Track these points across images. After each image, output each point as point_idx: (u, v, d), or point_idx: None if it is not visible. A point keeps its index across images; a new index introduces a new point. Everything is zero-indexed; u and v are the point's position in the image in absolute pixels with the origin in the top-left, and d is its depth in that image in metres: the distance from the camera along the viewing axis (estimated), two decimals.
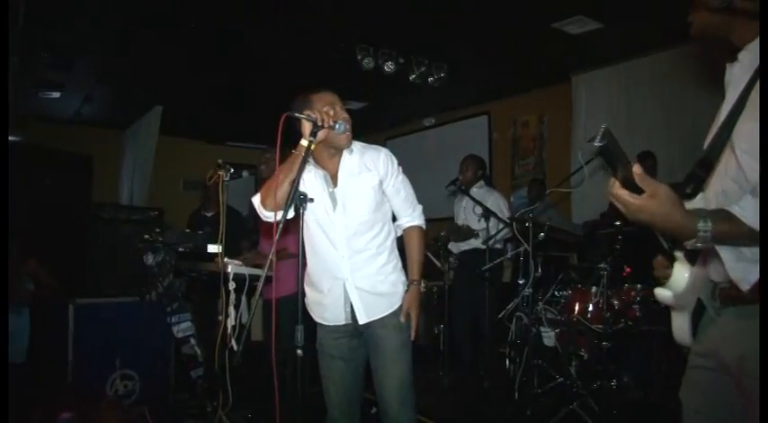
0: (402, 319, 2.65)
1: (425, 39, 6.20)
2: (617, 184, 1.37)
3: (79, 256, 5.14)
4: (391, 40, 6.23)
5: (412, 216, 2.80)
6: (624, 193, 1.36)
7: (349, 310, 2.68)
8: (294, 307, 2.42)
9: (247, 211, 5.27)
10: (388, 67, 6.39)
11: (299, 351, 2.42)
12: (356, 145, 2.70)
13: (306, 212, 2.52)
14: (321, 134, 2.45)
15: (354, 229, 2.64)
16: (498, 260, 4.85)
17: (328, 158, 2.68)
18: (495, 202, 5.33)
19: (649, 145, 6.07)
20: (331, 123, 2.45)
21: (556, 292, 4.71)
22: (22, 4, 2.40)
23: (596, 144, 1.31)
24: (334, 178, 2.67)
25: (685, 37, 5.20)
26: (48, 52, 5.94)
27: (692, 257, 1.66)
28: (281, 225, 2.31)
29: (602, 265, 4.11)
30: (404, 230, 2.82)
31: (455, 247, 5.45)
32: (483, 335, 5.13)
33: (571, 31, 5.88)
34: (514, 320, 4.76)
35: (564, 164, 7.26)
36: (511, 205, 7.36)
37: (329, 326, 2.73)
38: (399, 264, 2.79)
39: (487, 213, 4.97)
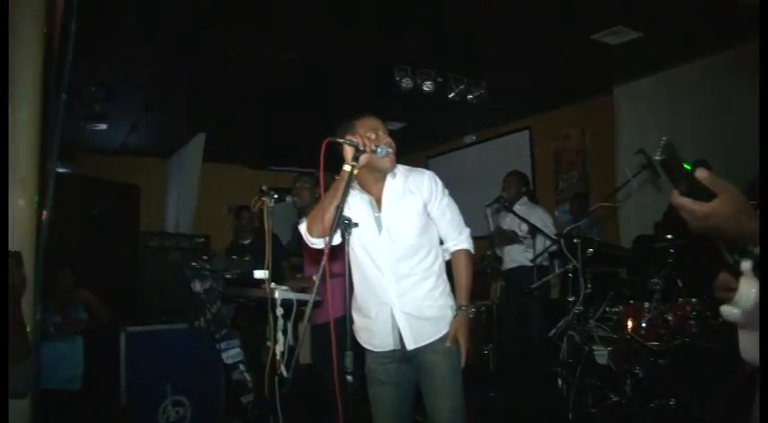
0: (448, 343, 2.59)
1: (463, 56, 6.19)
2: (676, 192, 1.32)
3: (129, 285, 5.24)
4: (429, 58, 6.23)
5: (458, 239, 2.73)
6: (687, 201, 1.27)
7: (397, 335, 2.63)
8: (341, 330, 2.41)
9: (290, 237, 5.30)
10: (427, 86, 6.38)
11: (349, 377, 2.41)
12: (400, 168, 2.68)
13: (352, 238, 2.51)
14: (363, 159, 2.45)
15: (400, 253, 2.62)
16: (547, 278, 4.76)
17: (373, 183, 2.67)
18: (540, 217, 5.24)
19: (696, 155, 5.93)
20: (372, 147, 2.46)
21: (607, 309, 4.60)
22: (72, 40, 2.45)
23: (656, 158, 1.27)
24: (378, 203, 2.66)
25: (728, 42, 5.09)
26: (93, 85, 6.09)
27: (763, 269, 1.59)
28: (326, 250, 2.32)
29: (654, 280, 4.01)
30: (451, 254, 2.75)
31: (505, 262, 5.38)
32: (533, 354, 5.04)
33: (611, 41, 5.79)
34: (565, 339, 4.65)
35: (608, 177, 7.13)
36: (555, 220, 7.28)
37: (377, 352, 2.70)
38: (448, 288, 2.73)
39: (533, 230, 4.91)
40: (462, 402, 2.59)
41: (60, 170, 7.63)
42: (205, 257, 4.22)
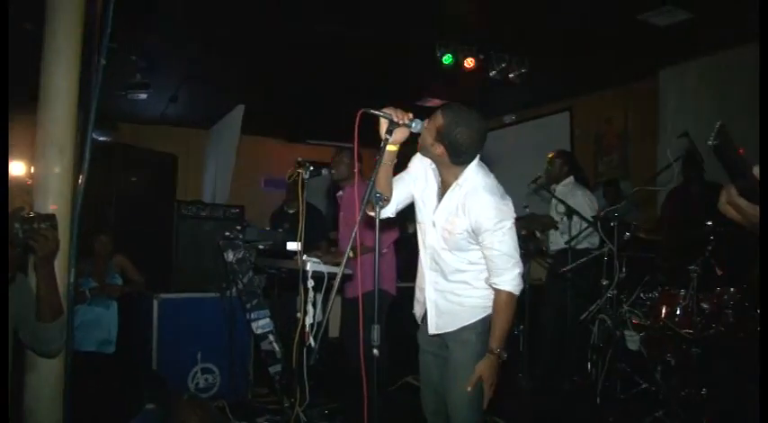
0: (468, 388, 2.48)
1: (505, 33, 6.07)
2: (733, 190, 1.24)
3: (164, 252, 5.30)
4: (471, 35, 6.13)
5: (500, 279, 2.52)
6: (743, 202, 1.23)
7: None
8: (370, 305, 2.41)
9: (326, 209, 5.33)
10: (468, 63, 6.29)
11: (376, 350, 2.40)
12: (471, 182, 2.55)
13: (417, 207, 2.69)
14: (399, 133, 2.43)
15: (443, 250, 2.63)
16: (581, 261, 4.67)
17: (444, 176, 2.63)
18: (580, 199, 5.08)
19: (742, 145, 5.75)
20: (406, 121, 2.41)
21: (641, 294, 4.51)
22: (111, 6, 2.45)
23: (709, 143, 1.20)
24: (442, 195, 2.63)
25: None
26: (135, 54, 6.14)
27: None
28: (357, 225, 2.32)
29: (692, 267, 3.91)
30: (494, 290, 2.57)
31: (550, 244, 5.31)
32: (566, 337, 4.98)
33: (659, 22, 5.61)
34: (597, 323, 4.59)
35: (649, 161, 6.97)
36: None
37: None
38: (489, 292, 2.60)
39: (569, 212, 4.83)
40: (473, 394, 2.52)
41: (99, 138, 7.76)
42: (238, 228, 4.23)
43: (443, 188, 2.62)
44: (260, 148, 10.17)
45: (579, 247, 5.01)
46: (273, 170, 10.19)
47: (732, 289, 4.03)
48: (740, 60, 6.15)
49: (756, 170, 1.20)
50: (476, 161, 2.57)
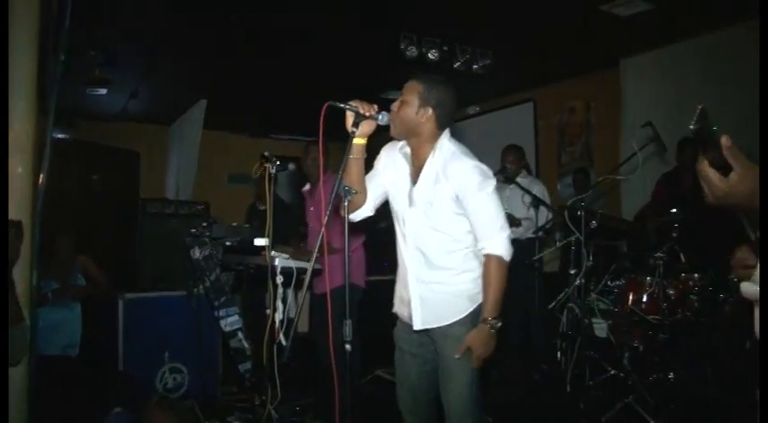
0: (457, 355, 2.41)
1: (469, 25, 6.07)
2: (705, 161, 1.29)
3: (128, 251, 5.22)
4: (435, 27, 6.12)
5: (489, 242, 2.44)
6: (712, 173, 1.28)
7: (411, 311, 2.59)
8: (340, 300, 2.39)
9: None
10: (432, 55, 6.28)
11: (348, 346, 2.39)
12: (447, 149, 2.53)
13: (392, 202, 2.62)
14: (365, 125, 2.41)
15: (426, 231, 2.53)
16: (549, 250, 4.73)
17: (416, 152, 2.59)
18: (541, 191, 5.26)
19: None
20: (372, 113, 2.39)
21: (608, 282, 4.57)
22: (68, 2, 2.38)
23: (691, 126, 1.25)
24: (417, 175, 2.56)
25: (739, 17, 5.01)
26: (94, 49, 6.00)
27: None
28: (323, 219, 2.30)
29: (658, 254, 3.97)
30: (483, 257, 2.49)
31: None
32: (532, 326, 5.03)
33: (621, 13, 5.68)
34: (565, 311, 4.64)
35: (612, 150, 7.08)
36: (557, 193, 7.23)
37: (403, 320, 2.67)
38: (474, 276, 2.52)
39: (537, 202, 4.87)
40: (470, 391, 2.47)
41: (59, 136, 7.58)
42: (204, 224, 4.17)
43: (417, 164, 2.56)
44: (223, 143, 10.02)
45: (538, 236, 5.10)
46: (237, 165, 10.07)
47: (696, 275, 4.11)
48: (697, 50, 6.26)
49: (725, 139, 1.25)
50: (448, 131, 2.58)
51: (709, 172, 1.29)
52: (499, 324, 2.42)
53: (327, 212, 2.33)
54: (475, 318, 2.48)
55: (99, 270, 5.04)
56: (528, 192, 4.95)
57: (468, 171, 2.44)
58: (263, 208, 5.66)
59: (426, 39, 6.26)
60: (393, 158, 2.68)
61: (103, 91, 7.03)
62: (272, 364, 3.67)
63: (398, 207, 2.63)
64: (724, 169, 1.28)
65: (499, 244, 2.43)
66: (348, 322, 2.38)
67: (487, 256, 2.45)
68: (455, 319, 2.49)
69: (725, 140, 1.25)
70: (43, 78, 2.98)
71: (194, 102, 8.12)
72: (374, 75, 7.31)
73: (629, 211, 6.38)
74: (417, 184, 2.54)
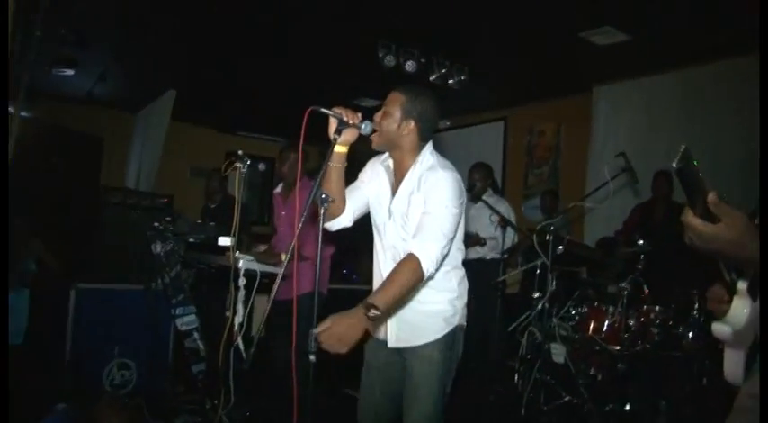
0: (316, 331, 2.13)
1: (448, 39, 6.07)
2: (690, 212, 1.31)
3: (85, 240, 5.05)
4: (414, 38, 6.11)
5: (421, 246, 2.24)
6: (698, 222, 1.31)
7: (385, 327, 2.53)
8: (305, 308, 2.35)
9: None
10: (410, 66, 6.26)
11: (312, 357, 2.33)
12: (427, 161, 2.46)
13: (372, 212, 2.57)
14: (347, 133, 2.36)
15: (404, 245, 2.43)
16: (514, 272, 4.73)
17: (398, 165, 2.54)
18: (507, 210, 5.27)
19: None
20: (355, 122, 2.33)
21: (571, 309, 4.59)
22: None
23: (674, 165, 1.26)
24: (397, 187, 2.52)
25: (714, 54, 5.11)
26: (63, 27, 5.80)
27: (755, 292, 1.57)
28: (297, 226, 2.24)
29: (623, 285, 4.00)
30: (406, 254, 2.27)
31: (466, 253, 5.34)
32: (491, 348, 5.02)
33: (597, 41, 5.75)
34: (526, 335, 4.63)
35: (579, 176, 7.16)
36: (521, 214, 7.26)
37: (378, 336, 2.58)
38: (449, 297, 2.48)
39: (504, 222, 4.87)
40: (434, 412, 2.41)
41: (22, 114, 7.32)
42: (168, 219, 4.06)
43: (399, 177, 2.51)
44: (188, 136, 9.83)
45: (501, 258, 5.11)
46: (200, 159, 9.91)
47: (658, 307, 4.15)
48: (667, 84, 6.37)
49: (712, 196, 1.28)
50: (430, 144, 2.53)
51: (695, 221, 1.32)
52: (374, 314, 2.13)
53: (302, 219, 2.28)
54: (449, 340, 2.44)
55: (53, 256, 4.87)
56: (497, 212, 4.95)
57: (439, 181, 2.35)
58: (213, 205, 5.56)
59: (404, 49, 6.24)
60: (377, 171, 2.64)
61: (71, 72, 6.81)
62: (227, 368, 3.58)
63: (379, 220, 2.59)
64: (706, 215, 1.30)
65: (428, 254, 2.23)
66: (314, 331, 2.33)
67: (410, 255, 2.23)
68: (428, 340, 2.44)
69: (711, 198, 1.27)
70: (10, 54, 2.85)
71: (163, 91, 7.94)
72: (349, 81, 7.26)
73: (592, 238, 6.43)
74: (395, 197, 2.50)
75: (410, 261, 2.22)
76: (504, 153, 8.39)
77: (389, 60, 6.15)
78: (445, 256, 2.36)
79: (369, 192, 2.62)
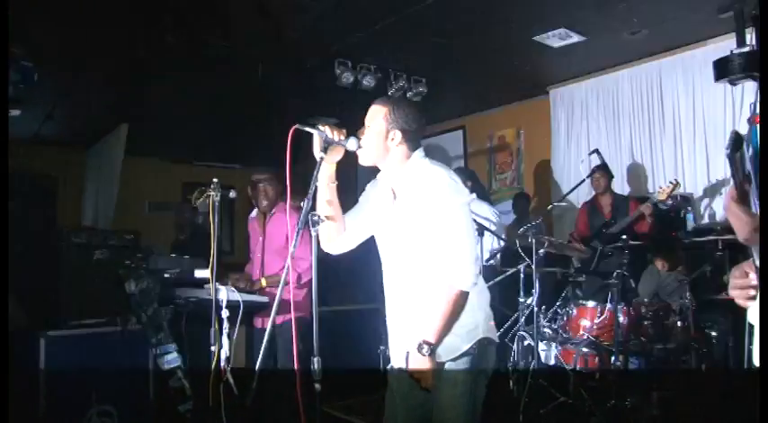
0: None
1: (403, 52, 6.05)
2: (734, 195, 1.30)
3: (49, 285, 4.81)
4: (369, 54, 6.07)
5: (448, 266, 2.22)
6: (745, 210, 1.30)
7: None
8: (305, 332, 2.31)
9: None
10: (368, 81, 6.22)
11: (317, 385, 2.24)
12: (419, 164, 2.40)
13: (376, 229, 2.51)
14: (333, 151, 2.30)
15: (400, 255, 2.40)
16: (501, 277, 4.68)
17: (389, 177, 2.49)
18: (488, 212, 5.19)
19: (628, 161, 6.07)
20: (341, 138, 2.31)
21: (558, 310, 4.56)
22: None
23: (727, 152, 1.21)
24: (394, 192, 2.47)
25: (666, 49, 5.25)
26: (9, 67, 5.59)
27: None
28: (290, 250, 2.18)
29: (613, 281, 3.99)
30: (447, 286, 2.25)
31: None
32: None
33: (552, 43, 5.79)
34: (516, 340, 4.58)
35: (543, 178, 7.20)
36: None
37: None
38: (469, 308, 2.31)
39: (480, 229, 4.82)
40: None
41: None
42: (140, 255, 3.90)
43: (394, 182, 2.46)
44: (144, 170, 9.57)
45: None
46: (159, 193, 9.68)
47: (646, 299, 4.15)
48: (623, 80, 6.46)
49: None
50: (422, 149, 2.48)
51: (738, 209, 1.29)
52: (431, 348, 2.19)
53: (294, 243, 2.23)
54: (473, 355, 2.32)
55: (17, 305, 4.63)
56: (474, 220, 4.89)
57: (438, 183, 2.30)
58: (182, 237, 5.41)
59: (361, 65, 6.20)
60: (375, 188, 2.58)
61: (17, 112, 6.57)
62: (218, 405, 3.43)
63: (381, 236, 2.52)
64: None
65: (462, 271, 2.21)
66: (316, 359, 2.25)
67: (450, 287, 2.22)
68: (449, 357, 2.31)
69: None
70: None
71: (114, 125, 7.73)
72: (304, 100, 7.17)
73: (563, 238, 6.45)
74: (394, 205, 2.44)
75: (448, 288, 2.22)
76: (465, 161, 8.38)
77: (347, 77, 6.10)
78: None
79: (369, 212, 2.54)
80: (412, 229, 2.34)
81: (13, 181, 6.86)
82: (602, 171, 5.14)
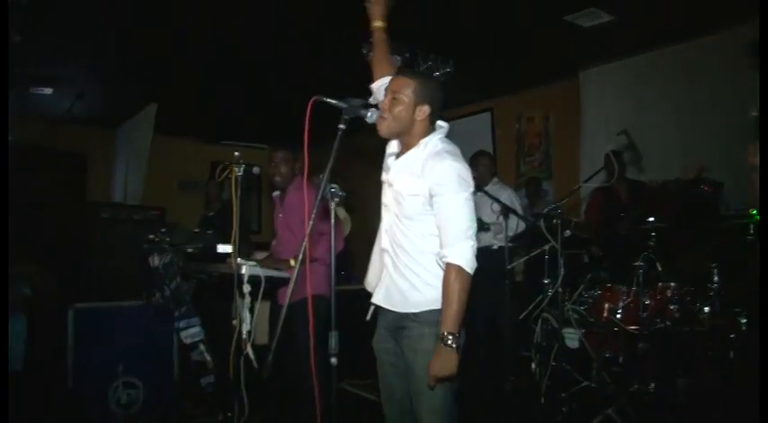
0: (431, 383, 2.24)
1: (431, 32, 5.99)
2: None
3: (78, 258, 4.90)
4: (398, 34, 6.01)
5: (450, 250, 2.24)
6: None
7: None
8: (317, 310, 2.33)
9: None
10: (396, 61, 6.16)
11: (334, 359, 2.24)
12: (434, 145, 2.39)
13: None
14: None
15: (397, 218, 2.43)
16: (523, 259, 4.65)
17: (404, 146, 2.49)
18: (510, 197, 5.20)
19: (661, 140, 5.93)
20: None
21: (583, 293, 4.50)
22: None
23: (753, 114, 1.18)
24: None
25: (699, 31, 5.10)
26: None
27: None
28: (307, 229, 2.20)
29: (638, 263, 3.92)
30: (444, 265, 2.28)
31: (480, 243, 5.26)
32: (501, 336, 4.93)
33: (582, 23, 5.68)
34: (540, 322, 4.54)
35: (571, 160, 7.09)
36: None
37: (379, 314, 2.53)
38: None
39: (506, 210, 4.78)
40: (443, 403, 2.33)
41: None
42: (164, 230, 3.94)
43: (403, 150, 2.48)
44: (173, 149, 9.67)
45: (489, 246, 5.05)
46: (188, 172, 9.78)
47: (673, 283, 4.07)
48: (654, 62, 6.32)
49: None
50: (443, 131, 2.48)
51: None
52: (458, 341, 2.21)
53: (311, 220, 2.23)
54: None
55: (48, 278, 4.73)
56: (496, 200, 4.85)
57: (445, 171, 2.28)
58: (211, 214, 5.44)
59: (391, 45, 6.13)
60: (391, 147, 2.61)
61: (49, 91, 6.67)
62: (238, 379, 3.46)
63: (384, 199, 2.54)
64: None
65: (461, 253, 2.24)
66: (334, 334, 2.24)
67: (448, 266, 2.24)
68: (420, 310, 2.34)
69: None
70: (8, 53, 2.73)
71: (144, 105, 7.81)
72: (332, 80, 7.15)
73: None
74: (394, 169, 2.46)
75: (452, 271, 2.23)
76: (494, 143, 8.29)
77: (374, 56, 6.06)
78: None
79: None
80: (402, 201, 2.40)
81: (43, 157, 7.04)
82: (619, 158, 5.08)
